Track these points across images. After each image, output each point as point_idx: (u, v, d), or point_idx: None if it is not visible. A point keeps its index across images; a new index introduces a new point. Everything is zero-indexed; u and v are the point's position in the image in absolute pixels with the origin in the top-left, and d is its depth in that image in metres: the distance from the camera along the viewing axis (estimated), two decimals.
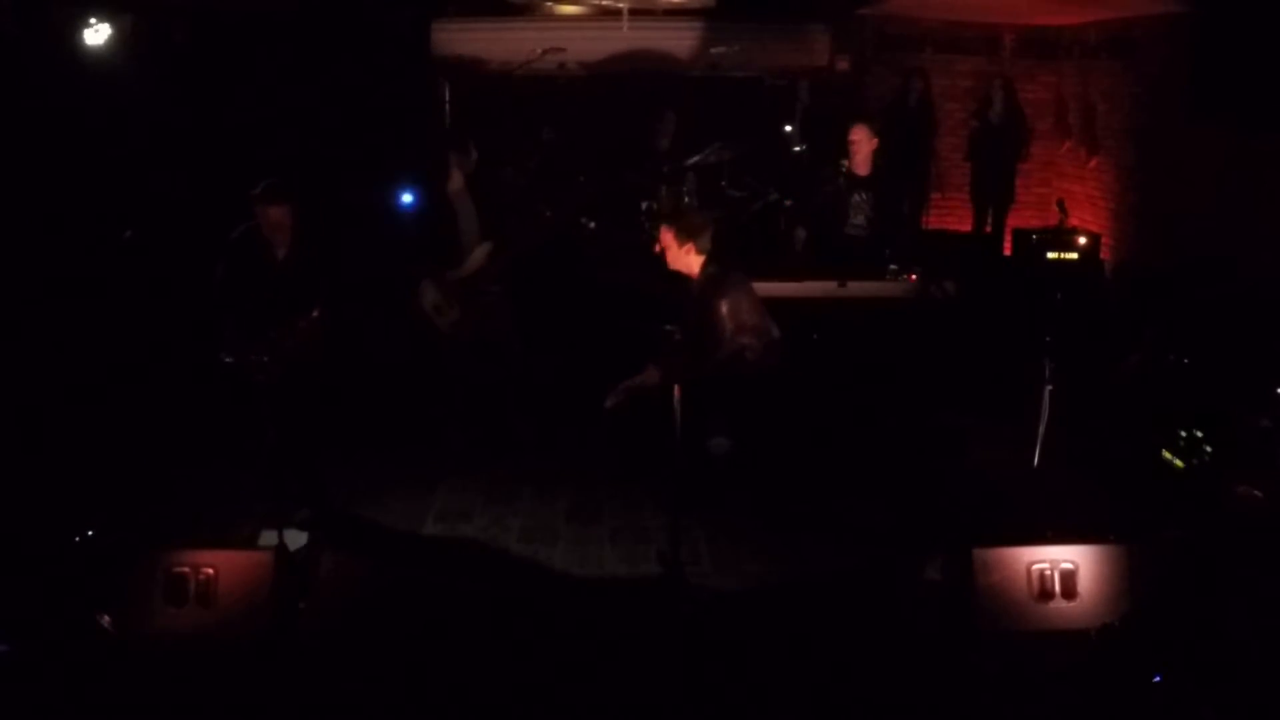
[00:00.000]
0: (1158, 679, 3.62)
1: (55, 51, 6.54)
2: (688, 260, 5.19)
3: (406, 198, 7.49)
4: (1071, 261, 8.07)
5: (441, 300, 5.83)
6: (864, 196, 6.39)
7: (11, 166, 6.19)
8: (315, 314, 4.97)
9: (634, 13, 8.10)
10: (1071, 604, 3.99)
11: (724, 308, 5.08)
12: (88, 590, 3.97)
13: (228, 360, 4.73)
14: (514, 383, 6.27)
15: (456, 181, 5.87)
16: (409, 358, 6.94)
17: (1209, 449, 5.33)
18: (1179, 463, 5.45)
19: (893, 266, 6.20)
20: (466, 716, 3.73)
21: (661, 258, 5.25)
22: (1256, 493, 4.92)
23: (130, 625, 3.93)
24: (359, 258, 7.42)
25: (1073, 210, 8.59)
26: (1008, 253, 8.92)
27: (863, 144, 6.33)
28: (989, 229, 9.16)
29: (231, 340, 4.77)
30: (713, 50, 8.28)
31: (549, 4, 8.31)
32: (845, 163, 6.45)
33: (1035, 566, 4.00)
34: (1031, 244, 8.22)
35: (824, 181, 6.57)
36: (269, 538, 4.69)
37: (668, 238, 5.17)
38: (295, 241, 5.11)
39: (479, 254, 5.82)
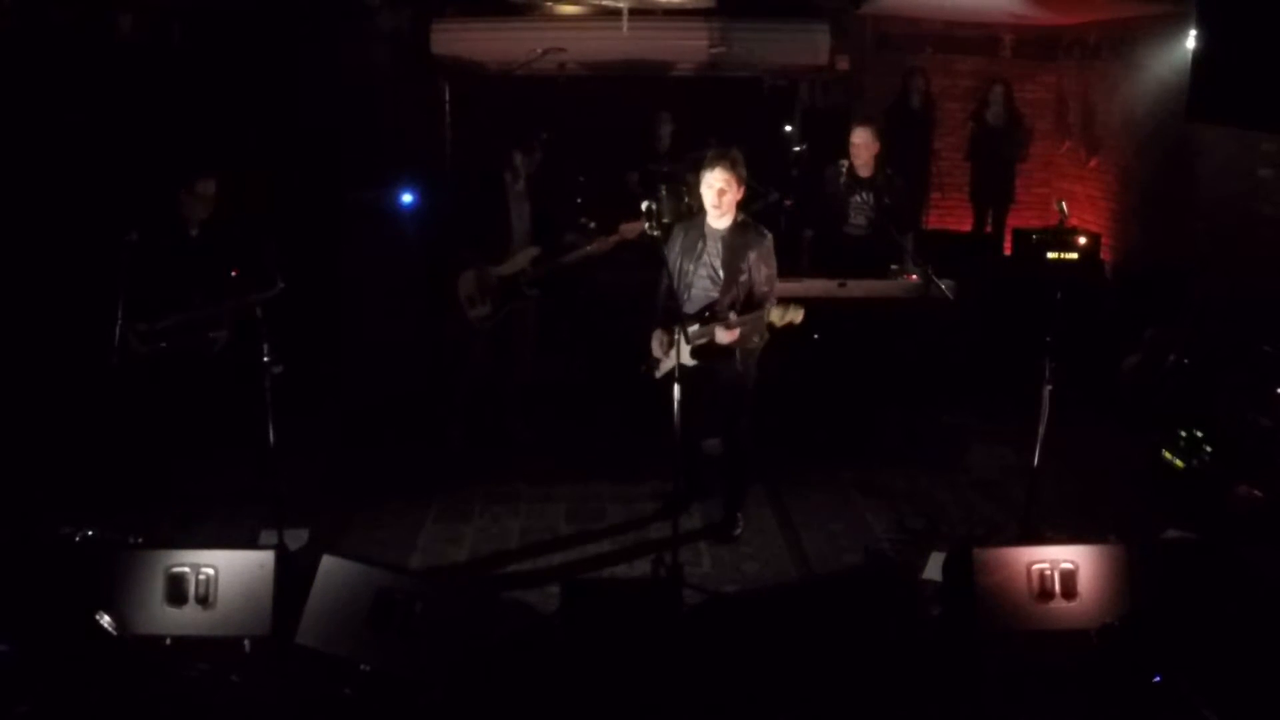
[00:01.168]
0: (1158, 679, 3.62)
1: (56, 49, 6.54)
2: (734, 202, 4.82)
3: (406, 198, 7.51)
4: (1071, 261, 8.07)
5: (476, 293, 5.86)
6: (865, 197, 6.39)
7: (11, 165, 6.19)
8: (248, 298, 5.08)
9: (634, 13, 8.08)
10: (1071, 604, 3.99)
11: (770, 251, 4.84)
12: (88, 590, 3.97)
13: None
14: (519, 387, 6.25)
15: (519, 184, 5.90)
16: (410, 356, 6.96)
17: (1209, 449, 5.33)
18: (1179, 463, 5.46)
19: (894, 266, 6.20)
20: (466, 716, 3.73)
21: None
22: (1256, 493, 4.93)
23: (130, 625, 3.93)
24: (358, 257, 7.45)
25: (1073, 210, 8.58)
26: (1008, 253, 8.92)
27: (865, 146, 6.34)
28: (989, 229, 9.15)
29: (127, 331, 4.82)
30: (713, 50, 8.27)
31: (549, 4, 8.30)
32: (845, 162, 6.45)
33: (1035, 566, 4.00)
34: (1031, 244, 8.22)
35: (825, 182, 6.57)
36: (269, 538, 4.70)
37: (730, 179, 4.70)
38: (212, 220, 5.19)
39: (523, 256, 5.84)
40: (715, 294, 4.82)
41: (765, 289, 4.84)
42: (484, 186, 5.96)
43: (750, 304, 4.80)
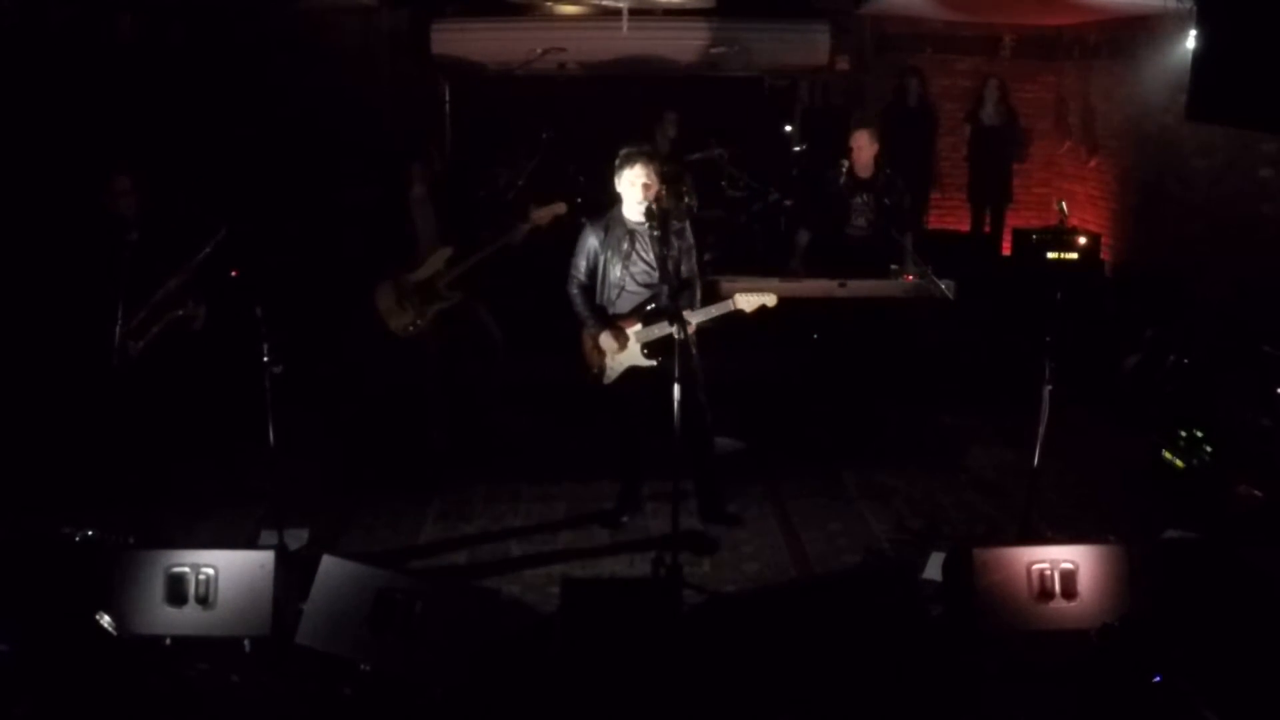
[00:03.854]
0: (1158, 679, 3.62)
1: (56, 48, 6.54)
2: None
3: None
4: (1071, 261, 8.08)
5: (396, 304, 5.80)
6: (866, 199, 6.40)
7: (11, 164, 6.19)
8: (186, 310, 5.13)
9: (634, 13, 8.09)
10: (1071, 604, 3.99)
11: (688, 229, 5.00)
12: (88, 590, 3.96)
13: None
14: (499, 381, 6.22)
15: (418, 190, 5.86)
16: (409, 355, 6.95)
17: (1209, 449, 5.33)
18: (1179, 463, 5.46)
19: (894, 266, 6.21)
20: (466, 716, 3.73)
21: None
22: (1256, 493, 4.93)
23: (130, 625, 3.93)
24: (358, 260, 7.43)
25: (1073, 210, 8.59)
26: (1008, 253, 8.93)
27: (864, 149, 6.36)
28: (988, 229, 9.16)
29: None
30: (713, 50, 8.28)
31: (549, 4, 8.31)
32: (846, 164, 6.45)
33: (1035, 566, 4.00)
34: (1031, 244, 8.23)
35: (826, 183, 6.58)
36: (269, 538, 4.70)
37: (652, 173, 4.74)
38: (149, 223, 5.14)
39: (436, 258, 5.78)
40: (652, 287, 4.83)
41: (692, 269, 4.93)
42: (381, 197, 5.93)
43: (686, 286, 4.88)
